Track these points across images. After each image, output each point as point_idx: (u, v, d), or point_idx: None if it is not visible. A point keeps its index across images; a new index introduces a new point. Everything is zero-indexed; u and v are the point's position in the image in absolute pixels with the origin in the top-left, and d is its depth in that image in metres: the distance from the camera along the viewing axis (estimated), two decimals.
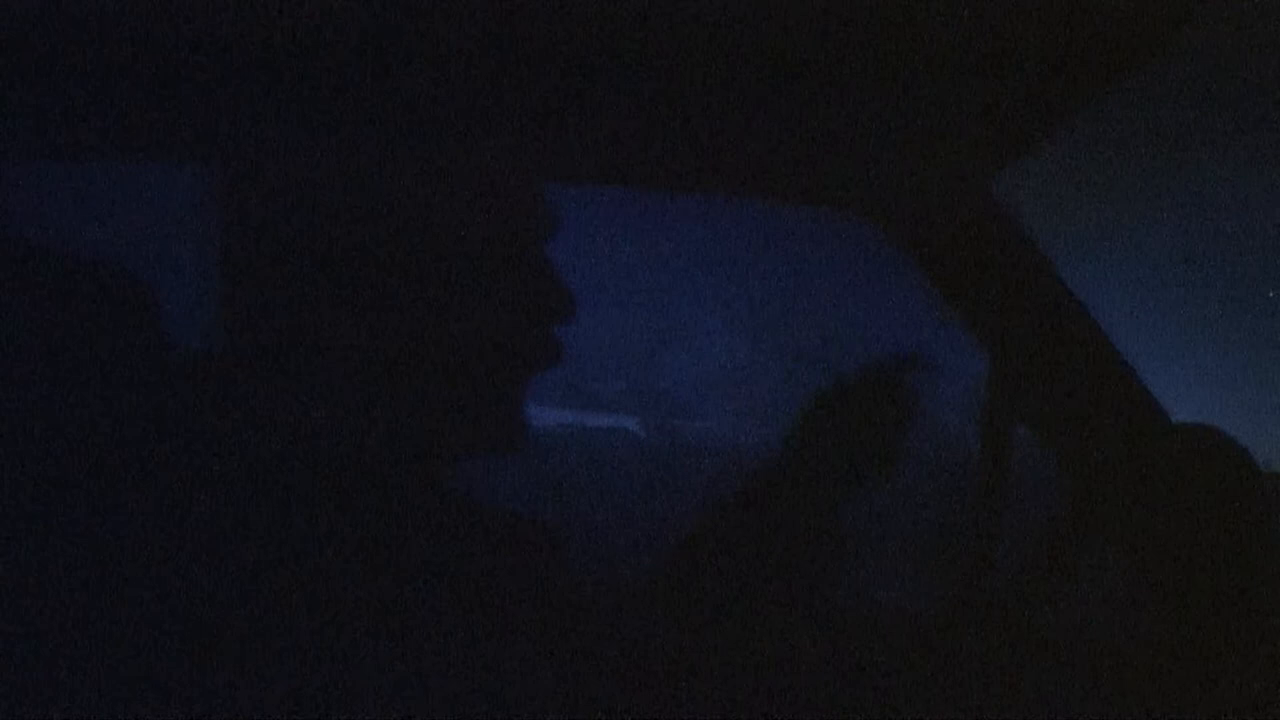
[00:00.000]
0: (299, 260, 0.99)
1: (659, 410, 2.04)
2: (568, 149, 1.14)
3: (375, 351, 0.99)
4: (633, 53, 1.04)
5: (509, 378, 1.04)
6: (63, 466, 0.94)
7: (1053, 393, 1.24)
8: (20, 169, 1.16)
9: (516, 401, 1.04)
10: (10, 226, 1.15)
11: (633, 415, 2.01)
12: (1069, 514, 1.23)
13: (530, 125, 1.08)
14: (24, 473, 0.94)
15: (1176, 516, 1.18)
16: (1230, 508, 1.18)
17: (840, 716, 1.09)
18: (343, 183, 1.00)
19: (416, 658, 0.92)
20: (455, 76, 1.03)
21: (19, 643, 0.90)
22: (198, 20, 0.98)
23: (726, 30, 1.03)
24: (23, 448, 0.95)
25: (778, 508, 1.10)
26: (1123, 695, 1.21)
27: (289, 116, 1.03)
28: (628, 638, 1.02)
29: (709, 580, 1.12)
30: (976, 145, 1.22)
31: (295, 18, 0.98)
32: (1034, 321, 1.24)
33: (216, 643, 0.90)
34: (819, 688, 1.10)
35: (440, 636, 0.93)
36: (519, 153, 1.07)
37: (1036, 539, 1.25)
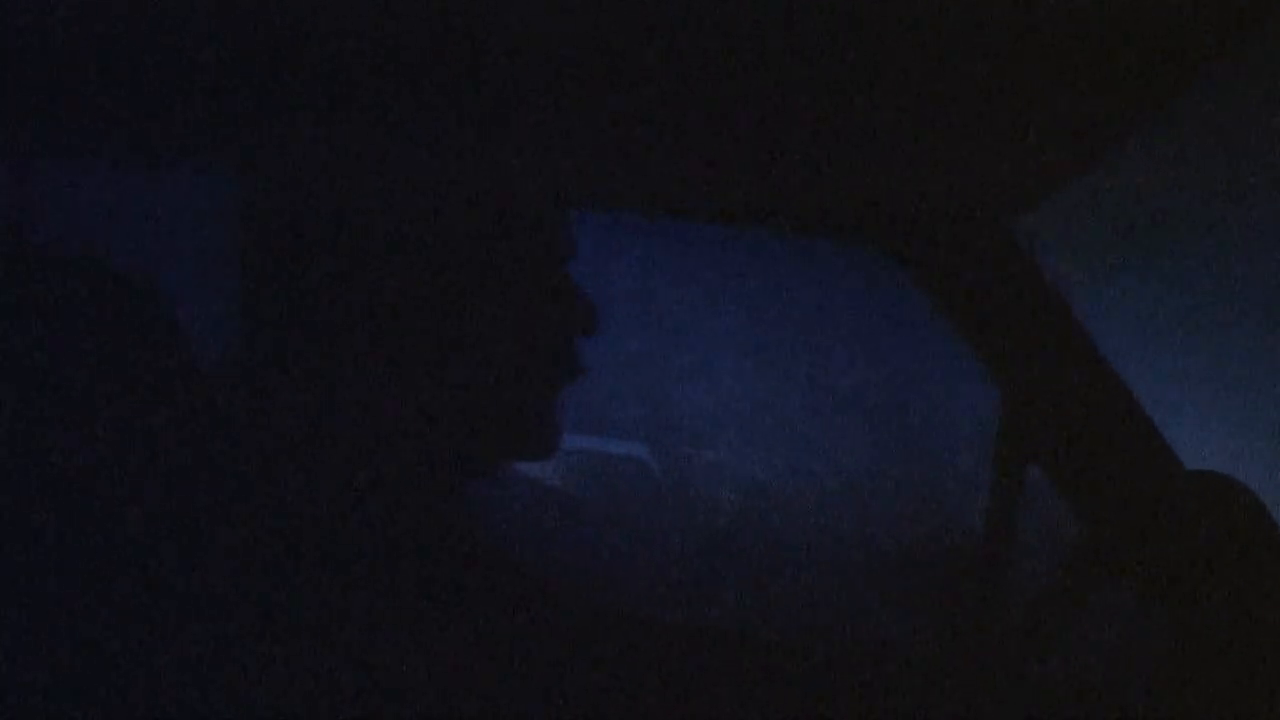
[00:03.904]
0: (321, 270, 1.00)
1: (671, 438, 2.04)
2: (588, 177, 1.14)
3: (396, 361, 1.00)
4: (653, 81, 1.04)
5: (537, 386, 1.06)
6: (82, 473, 0.95)
7: (1066, 434, 1.23)
8: (43, 176, 1.17)
9: (548, 409, 1.07)
10: (32, 233, 1.16)
11: (646, 443, 2.01)
12: (1079, 556, 1.23)
13: (552, 151, 1.09)
14: (43, 480, 0.94)
15: (1189, 562, 1.18)
16: (1244, 556, 1.17)
17: None
18: (365, 192, 1.01)
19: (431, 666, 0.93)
20: (479, 96, 1.04)
21: (33, 649, 0.90)
22: (224, 28, 0.99)
23: (750, 64, 1.04)
24: (42, 455, 0.95)
25: None
26: None
27: (316, 126, 1.04)
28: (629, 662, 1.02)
29: None
30: (998, 184, 1.22)
31: (326, 29, 0.99)
32: (1049, 362, 1.23)
33: (237, 652, 0.90)
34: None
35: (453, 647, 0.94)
36: (547, 175, 1.09)
37: (1048, 580, 1.25)
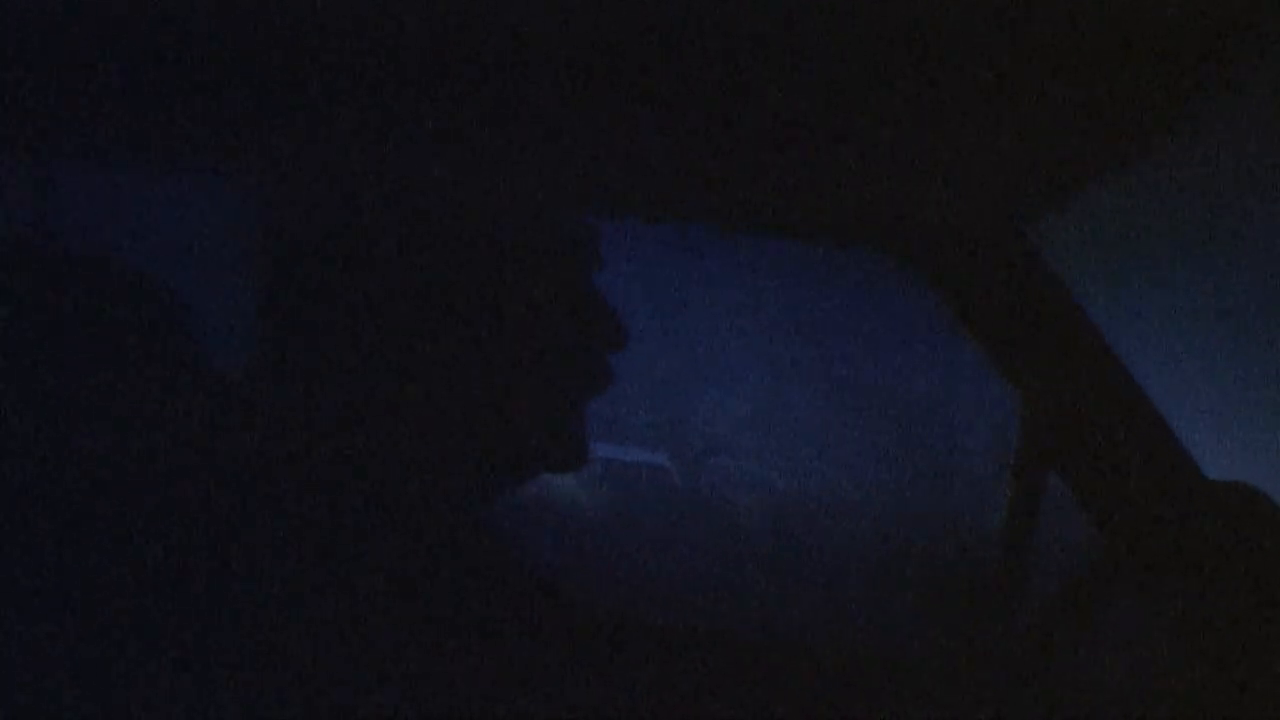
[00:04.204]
0: (344, 278, 1.00)
1: (691, 446, 2.04)
2: (606, 184, 1.14)
3: (421, 371, 1.00)
4: (667, 89, 1.05)
5: (563, 398, 1.05)
6: (99, 475, 0.95)
7: (1086, 442, 1.23)
8: (61, 181, 1.17)
9: (574, 421, 1.06)
10: (50, 237, 1.17)
11: (665, 450, 2.01)
12: (1099, 565, 1.22)
13: (571, 157, 1.09)
14: (59, 482, 0.95)
15: (1211, 573, 1.17)
16: (1268, 568, 1.16)
17: None
18: (385, 201, 1.01)
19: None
20: (498, 104, 1.04)
21: (45, 652, 0.91)
22: (242, 35, 0.99)
23: (764, 70, 1.04)
24: (59, 456, 0.96)
25: None
26: None
27: (334, 135, 1.04)
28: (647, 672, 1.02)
29: None
30: (1014, 189, 1.22)
31: (345, 38, 0.99)
32: (1068, 369, 1.23)
33: (252, 656, 0.91)
34: None
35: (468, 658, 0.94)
36: (563, 182, 1.09)
37: (1065, 590, 1.24)
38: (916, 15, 0.98)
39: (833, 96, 1.06)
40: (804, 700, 1.08)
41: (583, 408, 1.07)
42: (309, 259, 1.01)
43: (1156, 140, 1.15)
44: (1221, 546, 1.16)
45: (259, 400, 1.01)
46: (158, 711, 0.90)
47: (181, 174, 1.19)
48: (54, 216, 1.17)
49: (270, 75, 1.02)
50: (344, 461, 0.98)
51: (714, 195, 1.22)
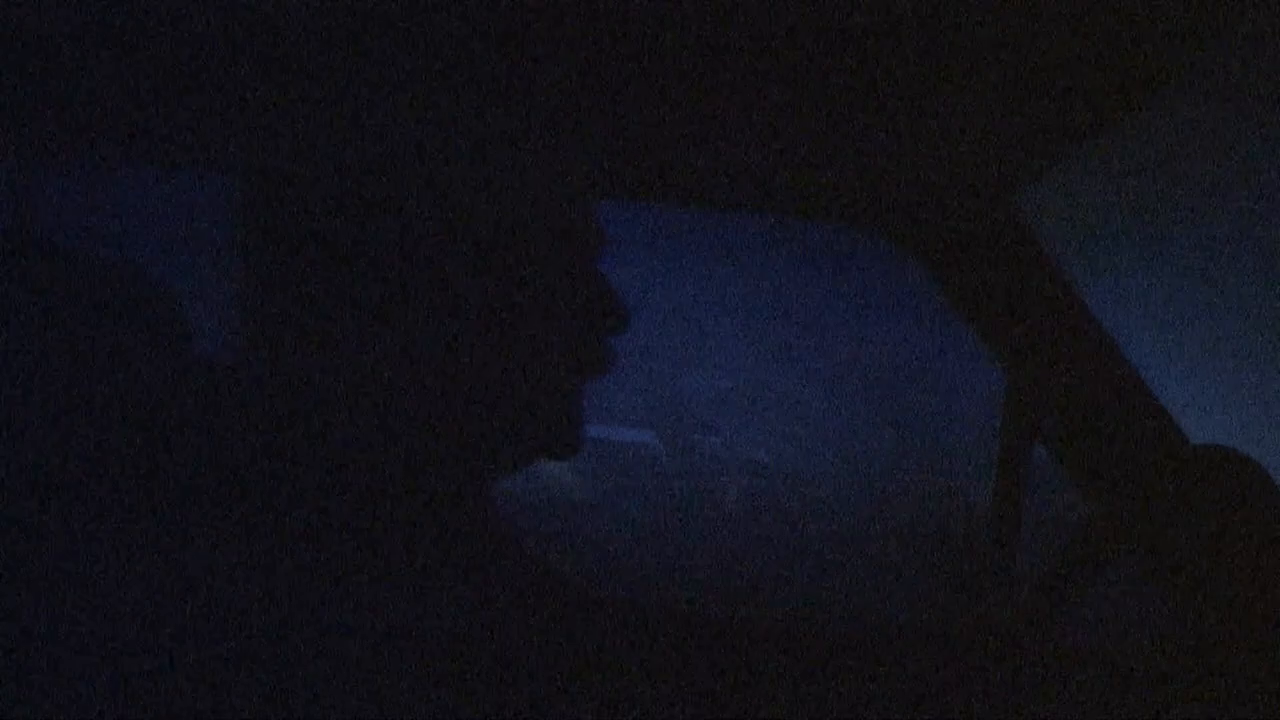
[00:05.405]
0: (333, 268, 1.00)
1: (678, 425, 2.05)
2: (593, 165, 1.14)
3: (418, 362, 1.00)
4: (655, 68, 1.05)
5: (564, 384, 1.05)
6: (83, 471, 0.95)
7: (1071, 412, 1.23)
8: (48, 175, 1.17)
9: (574, 407, 1.05)
10: (38, 231, 1.17)
11: (652, 429, 2.02)
12: (1086, 533, 1.23)
13: (560, 140, 1.09)
14: (49, 475, 0.95)
15: (1196, 535, 1.18)
16: (1251, 528, 1.17)
17: None
18: (383, 183, 1.01)
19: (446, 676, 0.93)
20: (484, 87, 1.04)
21: (37, 646, 0.91)
22: (222, 28, 0.99)
23: (748, 49, 1.04)
24: (43, 452, 0.96)
25: None
26: (1142, 714, 1.20)
27: (323, 122, 1.03)
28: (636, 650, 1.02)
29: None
30: (996, 164, 1.22)
31: (327, 24, 0.99)
32: (1052, 340, 1.24)
33: (246, 649, 0.91)
34: (831, 701, 1.10)
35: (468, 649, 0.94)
36: (556, 167, 1.08)
37: (1053, 558, 1.25)
38: None
39: (815, 75, 1.06)
40: (791, 675, 1.08)
41: (582, 393, 1.07)
42: (300, 243, 1.00)
43: (1137, 112, 1.16)
44: (1208, 511, 1.17)
45: (251, 388, 1.01)
46: (152, 706, 0.90)
47: (164, 164, 1.19)
48: (38, 209, 1.17)
49: (255, 61, 1.01)
50: (338, 449, 0.98)
51: (699, 174, 1.22)
